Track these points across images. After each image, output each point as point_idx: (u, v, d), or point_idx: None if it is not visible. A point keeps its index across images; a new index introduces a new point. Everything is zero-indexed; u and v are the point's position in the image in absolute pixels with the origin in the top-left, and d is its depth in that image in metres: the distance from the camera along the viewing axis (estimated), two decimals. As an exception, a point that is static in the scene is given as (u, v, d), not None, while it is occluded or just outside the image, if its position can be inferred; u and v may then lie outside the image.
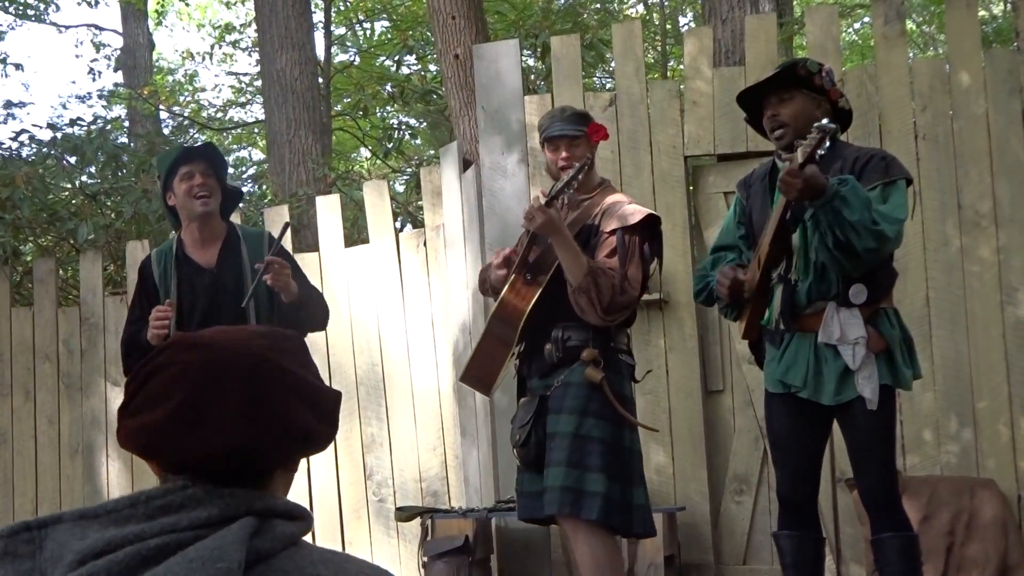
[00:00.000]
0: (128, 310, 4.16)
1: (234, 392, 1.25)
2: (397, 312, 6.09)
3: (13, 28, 17.35)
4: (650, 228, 3.71)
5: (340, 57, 14.25)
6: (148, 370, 1.30)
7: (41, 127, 9.17)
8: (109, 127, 11.00)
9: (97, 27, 16.32)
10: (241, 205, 6.38)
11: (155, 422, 1.26)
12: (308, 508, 5.75)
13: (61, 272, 7.64)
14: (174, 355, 1.29)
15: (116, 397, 6.59)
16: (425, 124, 12.62)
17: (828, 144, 3.17)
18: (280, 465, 1.31)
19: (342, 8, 14.15)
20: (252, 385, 1.27)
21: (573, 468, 3.50)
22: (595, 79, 11.36)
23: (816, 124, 3.14)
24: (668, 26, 13.79)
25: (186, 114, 14.30)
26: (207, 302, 3.93)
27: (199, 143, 4.54)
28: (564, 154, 3.73)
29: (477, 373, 3.81)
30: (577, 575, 3.79)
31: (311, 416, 1.31)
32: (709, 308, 5.24)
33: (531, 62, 8.80)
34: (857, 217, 3.14)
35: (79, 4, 14.81)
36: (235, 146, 15.64)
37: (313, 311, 4.03)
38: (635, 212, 3.68)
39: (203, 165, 3.95)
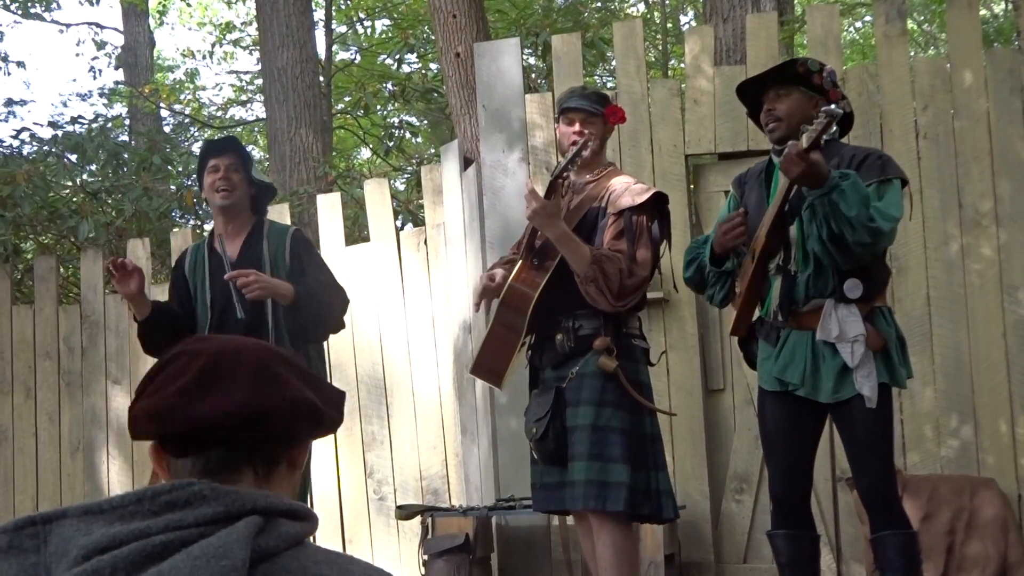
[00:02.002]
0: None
1: (243, 369, 1.31)
2: (398, 311, 6.09)
3: (13, 27, 17.32)
4: (658, 207, 3.67)
5: (341, 55, 14.25)
6: (161, 363, 1.35)
7: (42, 125, 9.19)
8: (110, 125, 11.01)
9: (98, 25, 16.34)
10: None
11: (167, 396, 1.30)
12: (309, 506, 5.70)
13: (62, 270, 7.65)
14: (186, 346, 1.36)
15: (116, 395, 6.60)
16: (426, 122, 12.62)
17: (835, 130, 3.17)
18: (287, 444, 1.34)
19: (343, 6, 14.15)
20: (260, 365, 1.33)
21: (595, 461, 3.47)
22: (596, 77, 11.35)
23: (824, 108, 3.14)
24: (669, 25, 13.78)
25: (187, 112, 14.31)
26: (228, 294, 3.94)
27: (222, 137, 4.53)
28: (577, 127, 3.68)
29: (488, 364, 3.74)
30: (590, 568, 3.77)
31: (316, 395, 1.36)
32: (709, 306, 5.26)
33: (532, 60, 8.80)
34: (855, 212, 3.14)
35: (81, 4, 14.81)
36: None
37: (318, 310, 3.96)
38: (641, 191, 3.64)
39: (228, 159, 4.01)
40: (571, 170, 3.58)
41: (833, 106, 3.15)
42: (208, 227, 9.10)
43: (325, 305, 4.00)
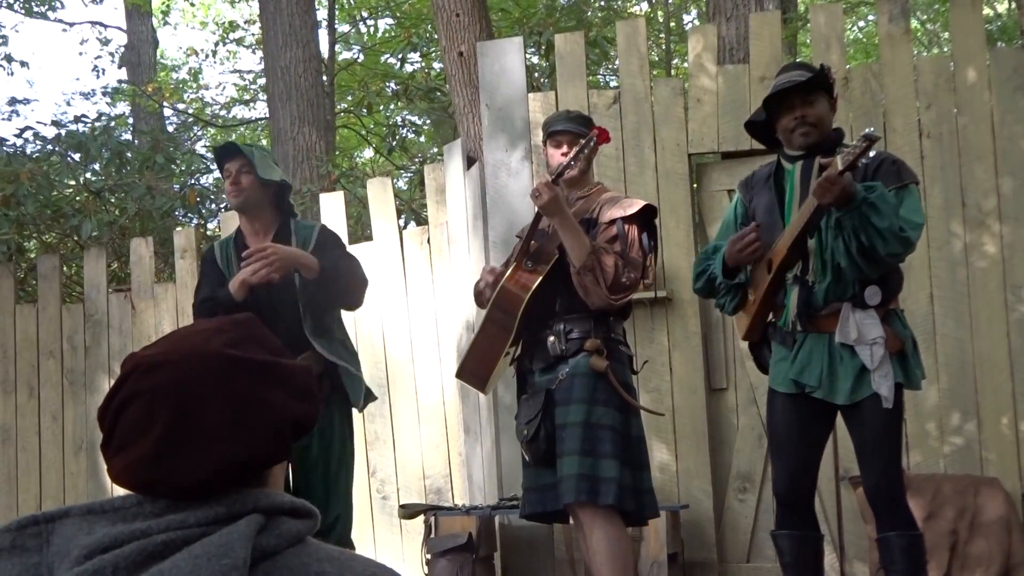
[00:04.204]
0: (195, 291, 4.19)
1: (213, 404, 1.22)
2: (401, 309, 6.09)
3: (17, 30, 17.35)
4: (646, 219, 3.77)
5: (344, 54, 14.25)
6: (118, 403, 1.25)
7: (45, 124, 9.17)
8: (113, 124, 11.01)
9: (101, 24, 16.36)
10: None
11: (143, 455, 1.21)
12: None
13: (65, 269, 7.65)
14: (139, 382, 1.24)
15: (120, 394, 6.60)
16: (429, 122, 12.62)
17: (873, 154, 3.17)
18: (279, 460, 1.30)
19: (346, 5, 14.15)
20: (228, 391, 1.23)
21: (586, 456, 3.53)
22: (599, 77, 11.36)
23: (864, 132, 3.13)
24: (672, 24, 13.77)
25: (190, 111, 14.32)
26: (260, 290, 3.94)
27: (224, 143, 4.53)
28: (565, 149, 3.81)
29: (474, 367, 3.82)
30: (586, 566, 3.78)
31: (292, 399, 1.29)
32: (713, 305, 5.26)
33: (535, 59, 8.79)
34: (886, 224, 3.16)
35: (86, 5, 14.82)
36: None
37: (339, 288, 3.90)
38: (633, 203, 3.76)
39: (237, 162, 4.04)
40: (574, 167, 3.71)
41: (870, 130, 3.14)
42: (211, 226, 9.11)
43: (349, 272, 3.94)
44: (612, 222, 3.70)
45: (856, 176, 3.32)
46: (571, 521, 3.87)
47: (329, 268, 3.88)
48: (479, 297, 3.94)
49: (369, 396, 4.06)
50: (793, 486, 3.51)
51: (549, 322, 3.70)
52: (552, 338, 3.68)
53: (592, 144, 3.72)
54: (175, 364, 1.24)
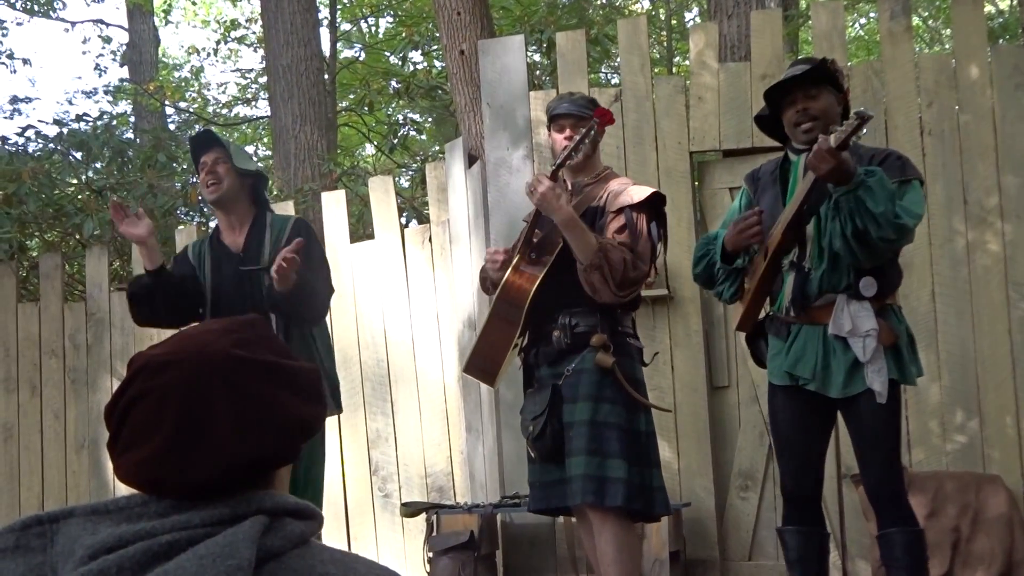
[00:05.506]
0: None
1: (220, 405, 1.22)
2: (402, 307, 6.09)
3: (20, 24, 17.36)
4: (655, 207, 3.71)
5: (345, 53, 14.26)
6: (125, 402, 1.25)
7: (47, 123, 9.16)
8: (115, 123, 11.01)
9: (103, 23, 16.36)
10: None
11: (151, 454, 1.22)
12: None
13: (67, 267, 7.65)
14: (147, 381, 1.24)
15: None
16: (430, 120, 12.62)
17: (864, 132, 3.16)
18: (286, 461, 1.30)
19: (347, 4, 14.15)
20: (236, 392, 1.23)
21: (593, 456, 3.48)
22: (600, 74, 11.36)
23: (856, 110, 3.13)
24: (674, 21, 13.77)
25: (192, 110, 14.33)
26: (235, 285, 3.94)
27: (200, 132, 4.52)
28: (568, 132, 3.72)
29: (482, 362, 3.76)
30: (592, 565, 3.77)
31: (299, 401, 1.29)
32: (715, 303, 5.26)
33: (536, 58, 8.79)
34: (881, 209, 3.15)
35: (88, 5, 14.83)
36: (240, 142, 15.64)
37: (305, 306, 3.90)
38: (641, 191, 3.68)
39: (214, 153, 4.03)
40: (575, 157, 3.63)
41: (864, 108, 3.14)
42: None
43: (312, 301, 3.94)
44: (620, 211, 3.63)
45: (860, 166, 3.33)
46: (574, 519, 3.87)
47: (298, 289, 3.80)
48: (483, 283, 3.91)
49: (337, 401, 4.12)
50: (799, 482, 3.51)
51: (554, 314, 3.62)
52: (557, 332, 3.61)
53: (594, 131, 3.64)
54: (183, 364, 1.24)
